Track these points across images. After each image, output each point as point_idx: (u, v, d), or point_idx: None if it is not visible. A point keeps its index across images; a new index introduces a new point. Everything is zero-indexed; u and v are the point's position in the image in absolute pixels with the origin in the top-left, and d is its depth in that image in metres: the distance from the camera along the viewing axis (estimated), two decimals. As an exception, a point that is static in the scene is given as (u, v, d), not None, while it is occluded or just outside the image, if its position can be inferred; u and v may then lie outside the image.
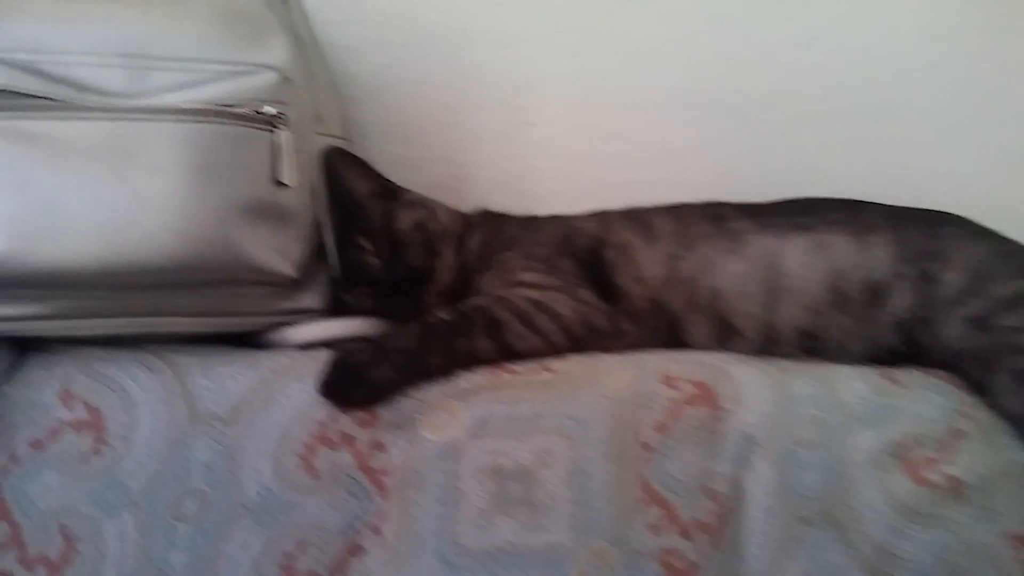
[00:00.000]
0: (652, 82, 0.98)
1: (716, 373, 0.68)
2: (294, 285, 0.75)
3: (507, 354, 0.69)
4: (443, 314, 0.70)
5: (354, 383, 0.67)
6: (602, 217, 0.82)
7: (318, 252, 0.82)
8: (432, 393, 0.68)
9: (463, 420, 0.66)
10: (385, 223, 0.85)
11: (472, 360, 0.69)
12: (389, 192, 0.85)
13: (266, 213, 0.71)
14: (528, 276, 0.75)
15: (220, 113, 0.72)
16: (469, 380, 0.68)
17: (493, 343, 0.69)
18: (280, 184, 0.72)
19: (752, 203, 0.80)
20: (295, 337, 0.75)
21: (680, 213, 0.81)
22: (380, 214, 0.86)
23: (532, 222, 0.83)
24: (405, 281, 0.81)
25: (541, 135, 1.00)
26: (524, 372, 0.69)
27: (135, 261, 0.65)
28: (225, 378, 0.68)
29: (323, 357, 0.68)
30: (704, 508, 0.63)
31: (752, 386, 0.68)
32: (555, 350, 0.71)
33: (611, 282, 0.77)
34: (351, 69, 0.94)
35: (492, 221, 0.85)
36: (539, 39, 0.97)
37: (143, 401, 0.68)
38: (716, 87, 0.98)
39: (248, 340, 0.75)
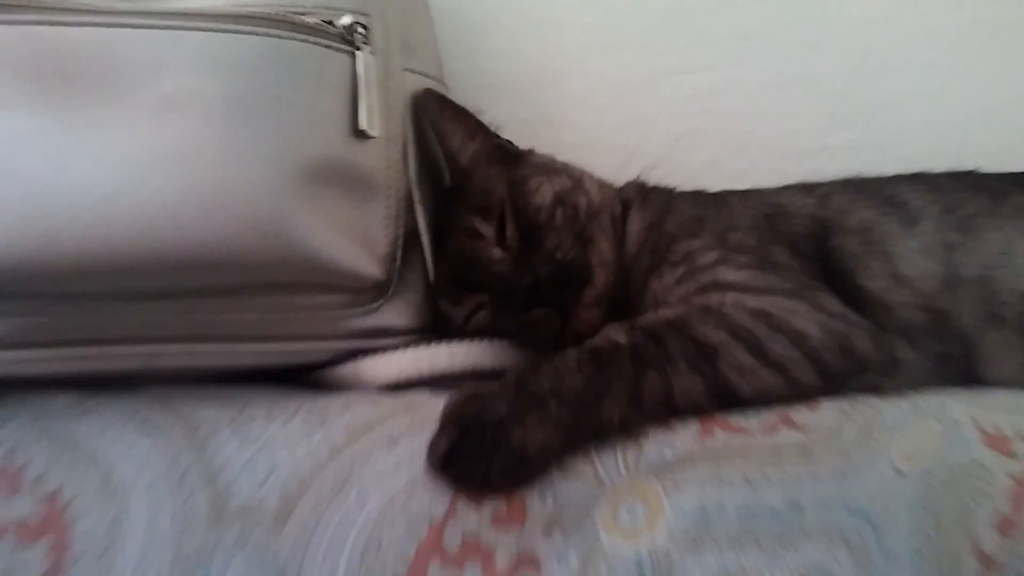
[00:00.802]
0: (848, 14, 0.76)
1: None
2: (377, 291, 0.53)
3: (723, 397, 0.47)
4: (615, 335, 0.48)
5: (488, 450, 0.43)
6: (818, 191, 0.60)
7: (408, 242, 0.57)
8: (611, 466, 0.45)
9: (668, 514, 0.42)
10: (513, 197, 0.59)
11: (669, 408, 0.46)
12: (508, 154, 0.64)
13: (341, 179, 0.50)
14: (733, 274, 0.53)
15: (276, 20, 0.47)
16: (668, 443, 0.45)
17: (702, 380, 0.46)
18: (361, 135, 0.50)
19: (1020, 172, 0.59)
20: (378, 373, 0.53)
21: (936, 185, 0.59)
22: (502, 184, 0.60)
23: (712, 199, 0.62)
24: (547, 283, 0.53)
25: (695, 86, 0.77)
26: (755, 429, 0.46)
27: (136, 253, 0.43)
28: (272, 445, 0.44)
29: (432, 405, 0.46)
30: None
31: None
32: (799, 391, 0.48)
33: (853, 284, 0.54)
34: (436, 3, 0.70)
35: (653, 197, 0.63)
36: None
37: (136, 484, 0.43)
38: (933, 20, 0.76)
39: (306, 378, 0.54)
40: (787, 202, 0.60)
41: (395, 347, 0.54)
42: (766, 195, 0.61)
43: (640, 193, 0.64)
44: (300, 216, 0.46)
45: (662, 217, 0.60)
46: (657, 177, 0.66)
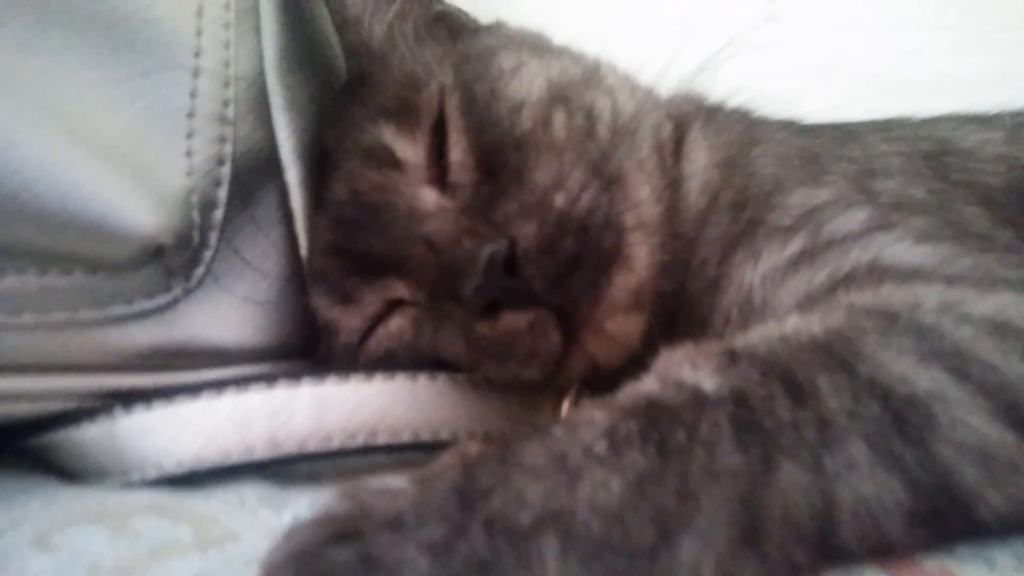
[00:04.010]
0: None
1: None
2: (163, 267, 0.27)
3: (941, 515, 0.23)
4: (691, 373, 0.24)
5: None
6: (999, 122, 0.40)
7: (253, 179, 0.30)
8: None
9: None
10: (464, 86, 0.32)
11: (825, 543, 0.22)
12: (459, 27, 0.38)
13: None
14: (911, 249, 0.31)
15: None
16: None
17: (900, 479, 0.22)
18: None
19: None
20: (159, 445, 0.28)
21: None
22: (444, 65, 0.33)
23: (826, 129, 0.41)
24: (535, 261, 0.28)
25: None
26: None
27: None
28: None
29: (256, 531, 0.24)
30: None
31: None
32: None
33: None
34: None
35: (723, 118, 0.40)
36: None
37: None
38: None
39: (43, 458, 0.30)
40: (956, 137, 0.39)
41: (199, 389, 0.28)
42: (913, 126, 0.41)
43: (704, 111, 0.39)
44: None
45: (746, 149, 0.37)
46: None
